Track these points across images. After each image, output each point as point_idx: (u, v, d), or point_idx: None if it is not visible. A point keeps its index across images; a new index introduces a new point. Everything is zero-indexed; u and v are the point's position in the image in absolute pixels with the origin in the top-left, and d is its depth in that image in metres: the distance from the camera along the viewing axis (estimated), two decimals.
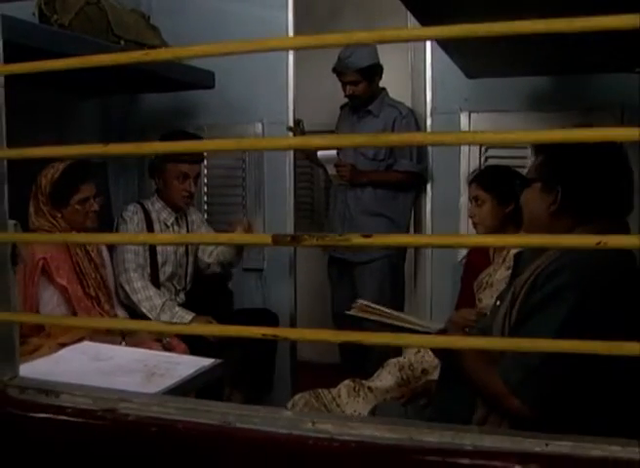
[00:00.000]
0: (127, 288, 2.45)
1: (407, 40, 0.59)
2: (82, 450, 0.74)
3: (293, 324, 3.06)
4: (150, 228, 2.59)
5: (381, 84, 3.07)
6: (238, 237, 0.64)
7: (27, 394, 0.78)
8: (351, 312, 1.50)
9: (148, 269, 2.56)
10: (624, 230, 1.41)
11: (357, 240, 0.62)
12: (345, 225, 3.02)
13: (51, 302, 2.17)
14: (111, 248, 2.46)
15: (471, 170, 2.83)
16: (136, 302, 2.44)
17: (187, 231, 2.72)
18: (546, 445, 0.62)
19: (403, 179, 2.94)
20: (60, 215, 2.23)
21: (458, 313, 2.35)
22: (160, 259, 2.60)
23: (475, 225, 2.35)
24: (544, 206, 1.43)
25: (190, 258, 2.74)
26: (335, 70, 3.00)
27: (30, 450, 0.77)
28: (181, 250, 2.69)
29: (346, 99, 3.14)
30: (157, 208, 2.65)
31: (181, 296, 2.71)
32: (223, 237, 0.63)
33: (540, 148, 1.50)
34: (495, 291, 2.10)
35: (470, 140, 0.59)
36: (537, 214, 1.47)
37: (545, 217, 1.44)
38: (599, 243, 0.53)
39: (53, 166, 2.22)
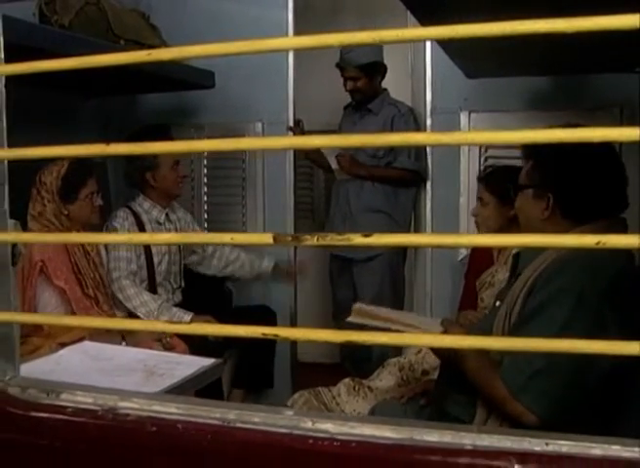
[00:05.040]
0: (120, 296, 2.42)
1: (408, 41, 0.59)
2: (82, 450, 0.74)
3: (293, 322, 3.06)
4: (142, 231, 2.55)
5: (381, 84, 3.07)
6: (239, 236, 0.64)
7: (28, 393, 0.78)
8: (350, 319, 1.50)
9: (145, 272, 2.54)
10: (622, 228, 1.40)
11: (358, 239, 0.62)
12: (347, 223, 3.03)
13: (49, 304, 2.16)
14: (105, 253, 2.44)
15: (471, 169, 2.83)
16: (131, 309, 2.42)
17: (176, 228, 2.69)
18: (546, 444, 0.62)
19: (401, 177, 2.95)
20: (66, 213, 2.23)
21: (462, 315, 2.35)
22: (156, 260, 2.58)
23: (478, 225, 2.34)
24: (537, 212, 1.43)
25: (182, 255, 2.74)
26: (337, 65, 3.02)
27: (31, 450, 0.77)
28: (174, 247, 2.67)
29: (349, 100, 3.15)
30: (146, 207, 2.61)
31: (178, 295, 2.70)
32: (226, 237, 0.63)
33: (529, 153, 1.49)
34: (497, 291, 2.09)
35: (470, 141, 0.60)
36: (531, 221, 1.47)
37: (539, 223, 1.43)
38: (598, 242, 0.53)
39: (56, 163, 2.22)
